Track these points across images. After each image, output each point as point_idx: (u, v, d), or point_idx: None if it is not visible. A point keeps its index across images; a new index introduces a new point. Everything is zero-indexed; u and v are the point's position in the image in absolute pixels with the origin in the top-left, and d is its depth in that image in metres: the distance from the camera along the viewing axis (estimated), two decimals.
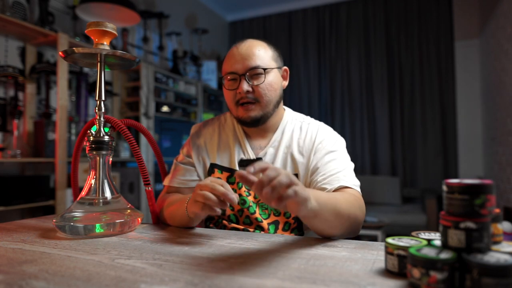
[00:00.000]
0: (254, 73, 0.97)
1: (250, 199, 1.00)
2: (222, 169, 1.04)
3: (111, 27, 0.85)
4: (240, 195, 1.00)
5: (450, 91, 4.16)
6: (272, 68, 1.00)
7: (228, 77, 0.99)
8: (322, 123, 1.10)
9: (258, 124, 1.01)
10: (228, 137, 1.08)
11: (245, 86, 0.96)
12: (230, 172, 1.03)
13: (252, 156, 1.04)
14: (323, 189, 0.92)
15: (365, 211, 0.92)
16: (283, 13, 4.98)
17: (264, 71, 0.98)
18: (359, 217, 0.86)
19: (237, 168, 1.02)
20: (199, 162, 1.07)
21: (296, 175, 0.99)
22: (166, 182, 1.10)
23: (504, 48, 3.03)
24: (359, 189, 0.95)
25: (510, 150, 2.93)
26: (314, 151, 1.00)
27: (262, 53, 0.99)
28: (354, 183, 0.95)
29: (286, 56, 4.91)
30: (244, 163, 1.02)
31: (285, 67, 1.07)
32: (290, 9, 4.92)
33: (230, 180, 1.03)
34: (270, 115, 1.02)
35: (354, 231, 0.87)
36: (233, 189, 0.98)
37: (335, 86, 4.66)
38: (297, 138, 1.05)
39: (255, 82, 0.98)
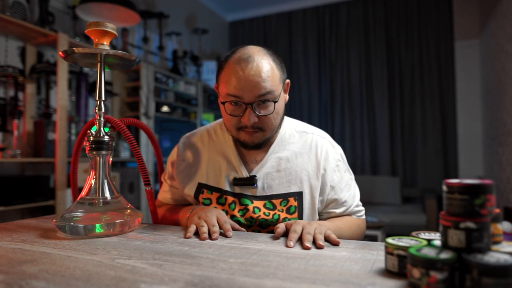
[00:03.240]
0: (262, 101, 0.87)
1: (243, 219, 0.95)
2: (212, 189, 0.98)
3: (111, 27, 0.85)
4: (233, 216, 0.95)
5: (450, 91, 4.16)
6: (280, 94, 0.90)
7: (231, 101, 0.88)
8: (324, 134, 1.04)
9: (260, 148, 0.95)
10: (217, 154, 1.00)
11: (253, 118, 0.86)
12: (219, 192, 0.97)
13: (245, 173, 0.96)
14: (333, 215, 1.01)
15: (366, 211, 1.04)
16: (283, 13, 4.98)
17: (274, 102, 0.88)
18: (358, 240, 0.99)
19: (227, 188, 0.96)
20: (184, 183, 1.02)
21: (301, 193, 0.95)
22: (158, 195, 1.16)
23: (504, 48, 3.03)
24: (364, 216, 1.04)
25: (510, 150, 2.93)
26: (322, 170, 0.96)
27: (270, 78, 0.86)
28: (362, 213, 1.03)
29: (286, 56, 4.91)
30: (238, 183, 0.95)
31: (288, 81, 0.96)
32: (290, 9, 4.92)
33: (220, 201, 0.97)
34: (272, 137, 0.96)
35: None
36: (224, 210, 0.96)
37: (335, 86, 4.66)
38: (300, 153, 0.98)
39: (263, 112, 0.87)
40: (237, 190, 0.96)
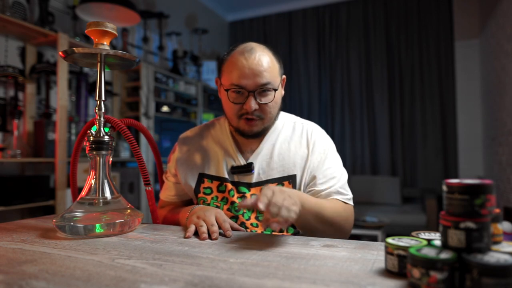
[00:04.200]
0: (263, 89, 0.93)
1: None
2: (212, 178, 1.02)
3: (111, 27, 0.85)
4: (233, 202, 0.98)
5: (450, 91, 4.16)
6: (279, 84, 0.97)
7: (234, 90, 0.94)
8: (314, 124, 1.09)
9: (258, 137, 1.00)
10: (215, 145, 1.05)
11: (254, 105, 0.92)
12: (219, 180, 1.01)
13: (242, 161, 1.00)
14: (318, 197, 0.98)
15: (366, 211, 0.99)
16: (283, 13, 4.98)
17: (274, 91, 0.94)
18: (344, 228, 0.95)
19: (226, 176, 1.00)
20: (185, 175, 1.05)
21: (294, 175, 0.99)
22: (160, 196, 1.16)
23: (504, 48, 3.03)
24: (351, 202, 1.00)
25: (510, 150, 2.93)
26: (310, 152, 1.00)
27: (271, 68, 0.94)
28: (347, 196, 0.99)
29: (286, 56, 4.91)
30: (236, 171, 1.00)
31: (284, 76, 1.03)
32: (290, 9, 4.92)
33: (220, 188, 1.00)
34: (270, 127, 1.02)
35: (340, 237, 0.90)
36: (224, 197, 1.00)
37: (335, 86, 4.66)
38: (292, 139, 1.03)
39: (263, 100, 0.94)
40: (236, 178, 1.00)
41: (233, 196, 0.99)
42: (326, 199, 0.96)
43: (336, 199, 0.97)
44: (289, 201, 0.74)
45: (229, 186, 0.99)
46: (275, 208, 0.71)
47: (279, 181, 0.98)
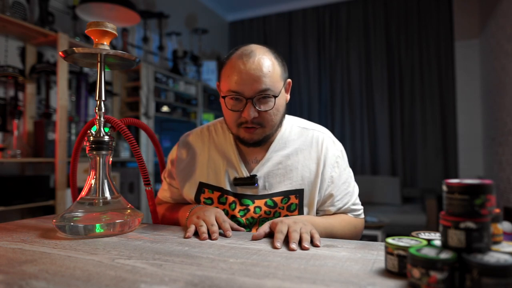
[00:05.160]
0: (263, 96, 0.87)
1: (244, 219, 0.95)
2: (213, 188, 0.97)
3: (111, 27, 0.85)
4: (233, 216, 0.95)
5: (450, 91, 4.16)
6: (281, 90, 0.91)
7: (232, 96, 0.88)
8: (325, 130, 1.03)
9: (259, 145, 0.94)
10: (218, 153, 0.99)
11: (253, 113, 0.87)
12: (220, 192, 0.97)
13: (245, 173, 0.95)
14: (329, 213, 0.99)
15: (366, 211, 1.00)
16: (283, 13, 4.98)
17: (274, 98, 0.88)
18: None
19: (227, 187, 0.96)
20: (184, 182, 1.02)
21: (302, 190, 0.94)
22: (158, 193, 1.16)
23: (504, 48, 3.03)
24: (362, 215, 1.03)
25: (510, 150, 2.93)
26: (322, 166, 0.95)
27: (271, 73, 0.87)
28: (359, 212, 1.01)
29: (286, 56, 4.91)
30: (239, 183, 0.95)
31: (289, 80, 0.97)
32: (290, 9, 4.92)
33: (221, 200, 0.96)
34: (272, 135, 0.95)
35: None
36: (224, 209, 0.96)
37: (335, 86, 4.67)
38: (300, 149, 0.97)
39: (263, 107, 0.88)
40: (238, 190, 0.96)
41: (234, 209, 0.95)
42: (337, 216, 0.97)
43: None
44: (305, 228, 0.75)
45: (230, 198, 0.95)
46: (296, 234, 0.71)
47: (285, 194, 0.94)
